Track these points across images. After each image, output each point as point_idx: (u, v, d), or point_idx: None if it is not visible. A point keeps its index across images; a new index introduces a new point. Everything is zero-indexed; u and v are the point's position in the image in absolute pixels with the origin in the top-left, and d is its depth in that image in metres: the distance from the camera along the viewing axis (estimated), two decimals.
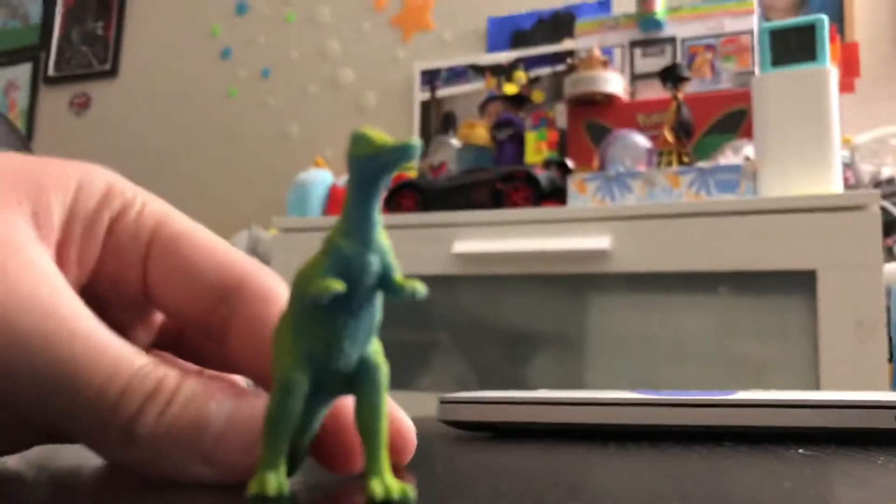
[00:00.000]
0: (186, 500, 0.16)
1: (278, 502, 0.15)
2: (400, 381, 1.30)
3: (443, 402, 0.35)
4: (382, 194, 0.15)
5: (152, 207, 0.20)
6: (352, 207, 0.15)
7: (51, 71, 2.43)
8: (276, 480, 0.15)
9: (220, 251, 0.20)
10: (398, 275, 0.15)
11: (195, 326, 0.20)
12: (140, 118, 2.31)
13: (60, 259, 0.19)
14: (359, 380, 0.16)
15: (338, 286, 0.15)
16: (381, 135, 0.14)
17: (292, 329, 0.16)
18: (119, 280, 0.20)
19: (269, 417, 0.16)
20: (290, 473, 0.17)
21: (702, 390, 0.35)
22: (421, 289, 0.15)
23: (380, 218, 0.15)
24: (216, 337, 0.20)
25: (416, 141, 0.14)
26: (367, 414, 0.16)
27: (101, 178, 0.20)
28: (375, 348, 0.16)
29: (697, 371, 1.15)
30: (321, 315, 0.15)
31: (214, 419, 0.17)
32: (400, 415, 0.20)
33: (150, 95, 2.31)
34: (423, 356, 1.29)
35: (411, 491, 0.15)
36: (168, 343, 0.22)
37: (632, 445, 0.29)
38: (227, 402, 0.17)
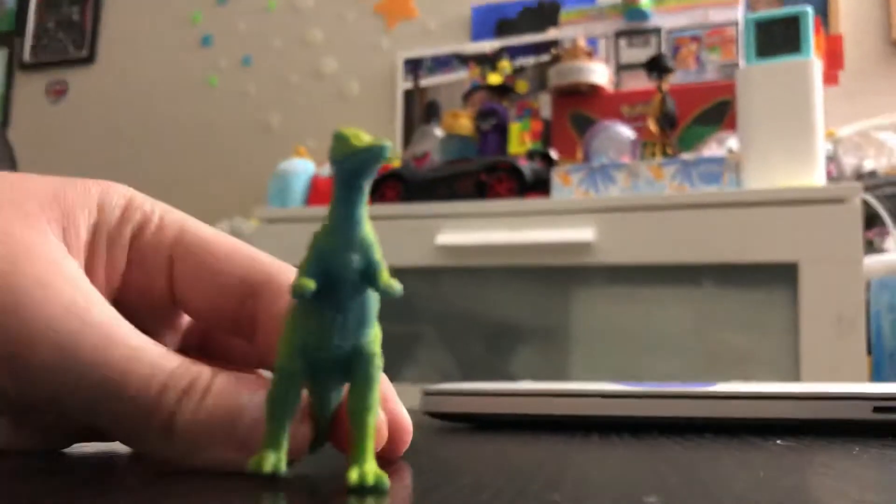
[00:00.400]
0: (184, 485, 0.17)
1: (271, 479, 0.17)
2: (384, 373, 1.29)
3: (426, 393, 0.35)
4: (365, 191, 0.16)
5: (171, 217, 0.21)
6: (335, 206, 0.16)
7: (27, 57, 2.39)
8: (275, 458, 0.17)
9: (243, 251, 0.21)
10: (383, 271, 0.16)
11: (224, 325, 0.21)
12: (118, 106, 2.28)
13: (89, 272, 0.20)
14: (353, 369, 0.17)
15: (310, 285, 0.16)
16: (359, 134, 0.15)
17: (290, 323, 0.17)
18: (145, 289, 0.21)
19: (269, 401, 0.17)
20: (314, 450, 0.19)
21: (684, 382, 0.35)
22: (396, 287, 0.16)
23: (365, 215, 0.16)
24: (245, 332, 0.21)
25: (386, 142, 0.15)
26: (356, 404, 0.17)
27: (119, 194, 0.21)
28: (372, 338, 0.17)
29: (680, 363, 1.16)
30: (312, 309, 0.16)
31: (247, 409, 0.18)
32: (398, 408, 0.21)
33: (128, 83, 2.28)
34: (407, 348, 1.29)
35: (386, 479, 0.16)
36: (193, 344, 0.24)
37: (614, 436, 0.29)
38: (258, 392, 0.18)
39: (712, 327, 1.16)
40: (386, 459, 0.20)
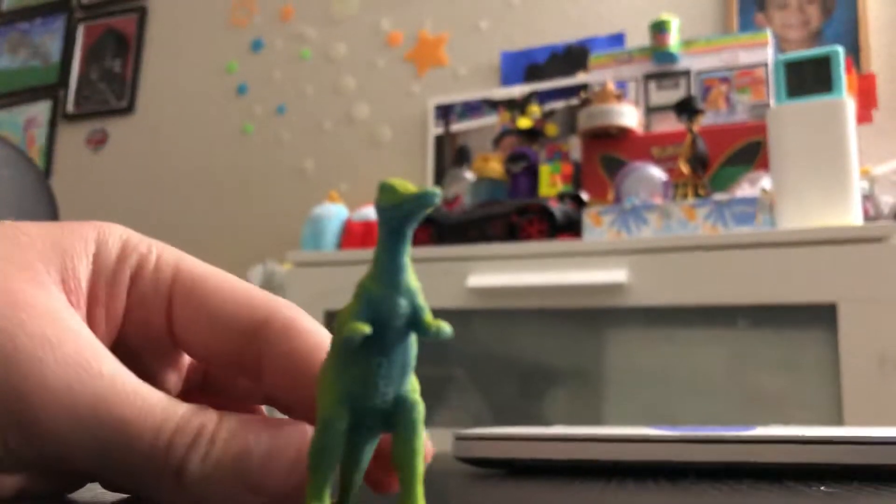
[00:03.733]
0: None
1: None
2: None
3: (458, 438, 0.34)
4: (409, 239, 0.16)
5: (167, 258, 0.21)
6: (381, 254, 0.16)
7: (70, 108, 2.47)
8: None
9: (240, 292, 0.21)
10: (428, 315, 0.16)
11: (226, 365, 0.21)
12: (156, 154, 2.34)
13: (91, 318, 0.20)
14: (396, 417, 0.17)
15: (365, 329, 0.16)
16: (406, 184, 0.16)
17: (333, 370, 0.17)
18: (146, 330, 0.21)
19: (312, 452, 0.17)
20: None
21: (721, 426, 0.34)
22: (446, 329, 0.16)
23: (409, 262, 0.16)
24: (250, 373, 0.21)
25: (435, 189, 0.16)
26: (402, 451, 0.17)
27: (115, 236, 0.21)
28: (413, 386, 0.17)
29: (716, 406, 1.13)
30: (357, 356, 0.16)
31: (255, 452, 0.18)
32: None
33: (166, 131, 2.34)
34: (439, 391, 1.28)
35: None
36: (196, 381, 0.23)
37: (650, 482, 0.29)
38: (264, 434, 0.18)
39: (750, 369, 1.14)
40: (376, 491, 0.21)
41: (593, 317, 1.22)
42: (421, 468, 0.17)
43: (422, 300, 0.17)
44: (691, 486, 0.28)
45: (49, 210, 1.27)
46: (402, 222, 0.16)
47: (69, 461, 0.18)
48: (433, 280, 1.25)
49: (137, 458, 0.18)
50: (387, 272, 0.16)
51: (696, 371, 1.16)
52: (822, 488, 0.27)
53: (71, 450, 0.18)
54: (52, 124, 2.48)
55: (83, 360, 0.18)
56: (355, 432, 0.17)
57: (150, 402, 0.18)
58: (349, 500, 0.19)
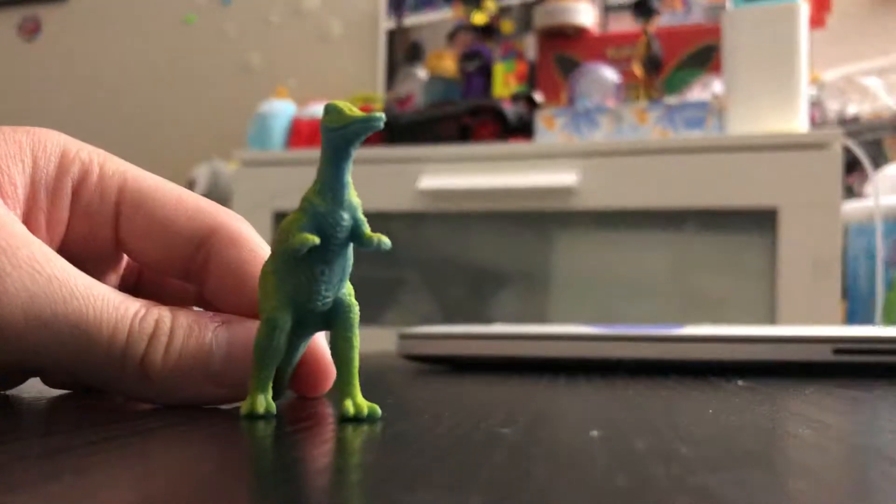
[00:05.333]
0: (188, 425, 0.18)
1: (266, 419, 0.18)
2: (366, 317, 1.29)
3: (402, 336, 0.35)
4: (352, 158, 0.18)
5: (111, 167, 0.21)
6: (325, 170, 0.18)
7: None
8: (265, 401, 0.18)
9: (188, 203, 0.22)
10: (367, 228, 0.18)
11: (173, 272, 0.22)
12: (93, 45, 2.23)
13: (29, 224, 0.20)
14: (334, 317, 0.19)
15: (314, 239, 0.17)
16: (351, 107, 0.17)
17: (276, 275, 0.18)
18: (90, 238, 0.21)
19: (257, 349, 0.18)
20: (276, 398, 0.20)
21: (654, 325, 0.35)
22: (386, 241, 0.18)
23: (350, 179, 0.18)
24: (195, 279, 0.22)
25: (379, 114, 0.17)
26: (342, 345, 0.19)
27: (53, 143, 0.21)
28: (349, 290, 0.19)
29: (660, 307, 1.17)
30: (301, 263, 0.18)
31: (217, 346, 0.19)
32: (323, 348, 0.22)
33: (102, 21, 2.22)
34: (389, 292, 1.30)
35: (378, 410, 0.18)
36: (130, 284, 0.24)
37: (581, 378, 0.30)
38: (222, 329, 0.20)
39: (693, 271, 1.18)
40: (308, 395, 0.22)
41: (543, 219, 1.24)
42: (357, 360, 0.19)
43: (362, 215, 0.18)
44: (620, 380, 0.29)
45: None
46: (347, 142, 0.17)
47: (31, 362, 0.19)
48: (384, 182, 1.24)
49: (99, 354, 0.18)
50: (331, 188, 0.18)
51: (641, 272, 1.19)
52: (740, 382, 0.28)
53: (34, 352, 0.18)
54: None
55: (37, 264, 0.18)
56: (295, 331, 0.19)
57: (105, 300, 0.19)
58: (282, 390, 0.21)
